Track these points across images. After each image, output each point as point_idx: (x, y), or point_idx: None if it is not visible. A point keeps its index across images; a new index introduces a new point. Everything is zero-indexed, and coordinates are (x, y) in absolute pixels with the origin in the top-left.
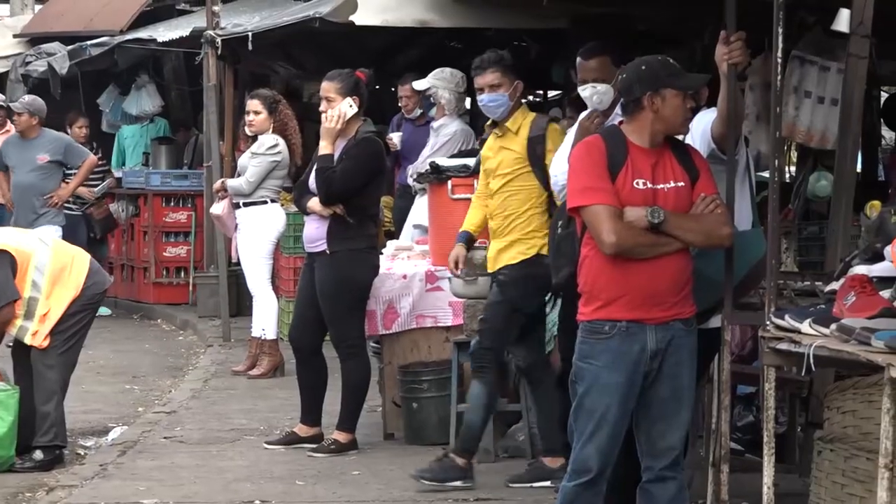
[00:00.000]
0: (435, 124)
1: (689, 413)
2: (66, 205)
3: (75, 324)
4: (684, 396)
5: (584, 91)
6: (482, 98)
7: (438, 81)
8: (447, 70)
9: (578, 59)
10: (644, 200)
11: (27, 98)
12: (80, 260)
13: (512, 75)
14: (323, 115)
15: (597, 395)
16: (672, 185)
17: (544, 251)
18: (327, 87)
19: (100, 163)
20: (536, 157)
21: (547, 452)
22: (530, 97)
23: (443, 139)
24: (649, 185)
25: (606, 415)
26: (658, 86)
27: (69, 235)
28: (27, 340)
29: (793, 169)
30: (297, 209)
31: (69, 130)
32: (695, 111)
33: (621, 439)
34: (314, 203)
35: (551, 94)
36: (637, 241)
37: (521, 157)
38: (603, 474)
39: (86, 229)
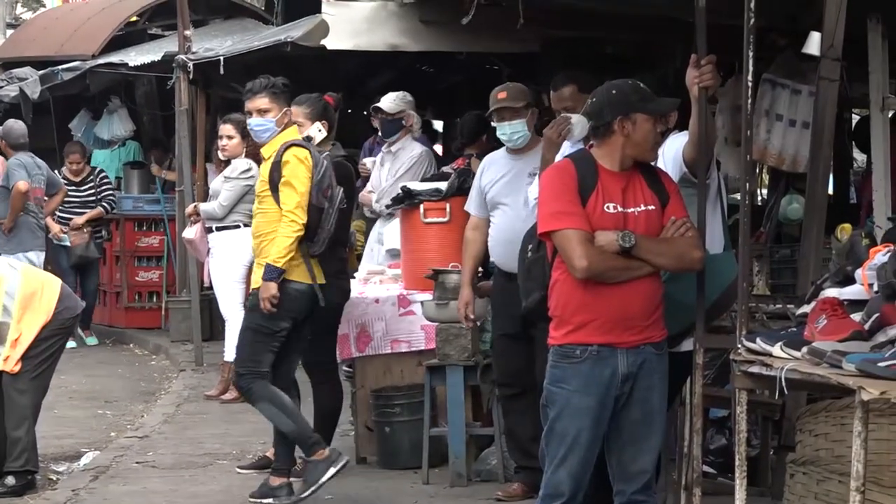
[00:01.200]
0: (394, 147)
1: (661, 437)
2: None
3: (47, 349)
4: (655, 420)
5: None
6: (250, 122)
7: (406, 104)
8: (405, 93)
9: (551, 91)
10: (615, 224)
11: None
12: (50, 285)
13: (282, 101)
14: None
15: (568, 420)
16: (643, 208)
17: (289, 276)
18: (296, 112)
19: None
20: (274, 183)
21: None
22: None
23: (408, 162)
24: (620, 209)
25: (578, 439)
26: (629, 110)
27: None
28: None
29: (765, 192)
30: None
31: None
32: (664, 135)
33: (593, 463)
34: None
35: None
36: (608, 266)
37: (265, 181)
38: (575, 498)
39: (66, 257)
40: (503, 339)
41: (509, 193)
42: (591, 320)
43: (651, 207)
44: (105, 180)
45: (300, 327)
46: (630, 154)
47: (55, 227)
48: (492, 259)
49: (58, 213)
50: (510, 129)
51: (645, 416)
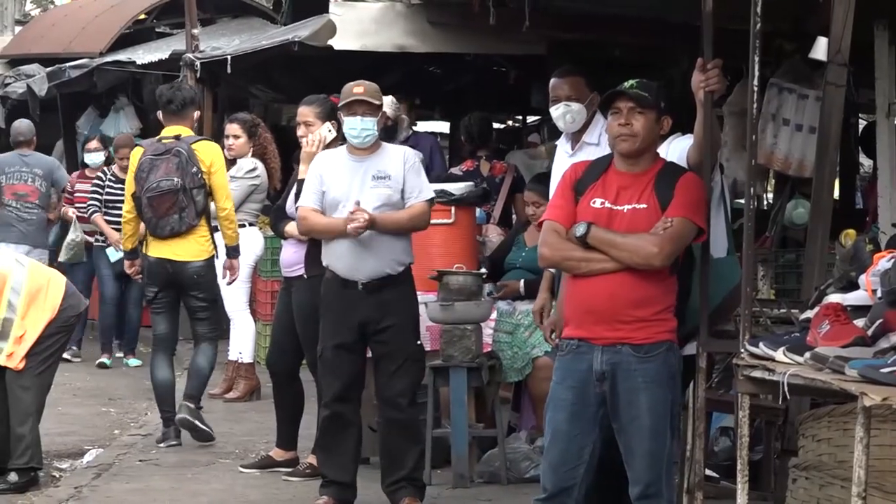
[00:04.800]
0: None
1: (659, 444)
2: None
3: (51, 345)
4: (645, 426)
5: (556, 110)
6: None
7: (397, 110)
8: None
9: (552, 79)
10: (595, 218)
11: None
12: (55, 282)
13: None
14: (303, 140)
15: (551, 411)
16: (632, 206)
17: None
18: (305, 112)
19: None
20: None
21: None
22: (509, 122)
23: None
24: (607, 205)
25: (557, 432)
26: (604, 112)
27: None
28: (0, 361)
29: (771, 196)
30: (274, 233)
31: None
32: (663, 138)
33: (578, 461)
34: (292, 227)
35: (530, 119)
36: (564, 255)
37: None
38: (561, 494)
39: (109, 264)
40: (337, 351)
41: (349, 195)
42: (570, 314)
43: (642, 206)
44: None
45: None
46: (615, 149)
47: (114, 235)
48: (326, 263)
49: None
50: (362, 125)
51: (633, 420)
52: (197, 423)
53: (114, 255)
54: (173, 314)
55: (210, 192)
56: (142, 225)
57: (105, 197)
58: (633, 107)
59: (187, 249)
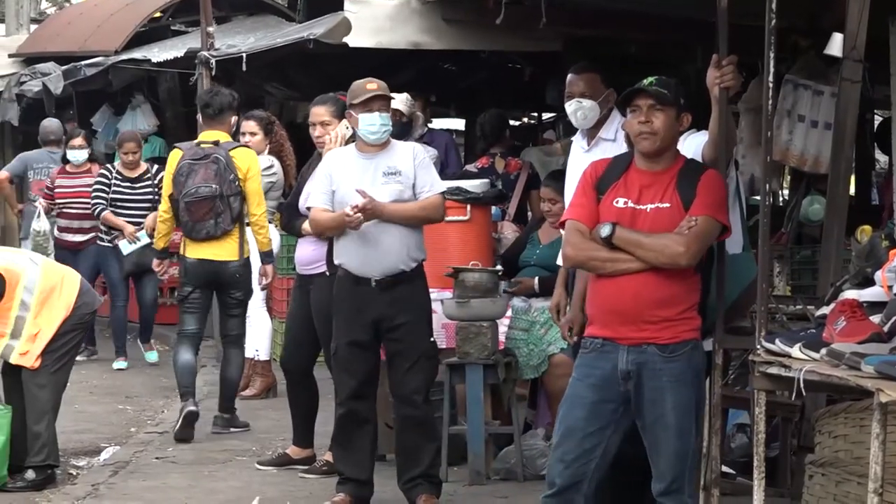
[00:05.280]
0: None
1: (683, 443)
2: (99, 235)
3: (66, 343)
4: (670, 424)
5: (570, 106)
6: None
7: (412, 107)
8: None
9: (569, 75)
10: (618, 218)
11: None
12: (69, 280)
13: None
14: (319, 140)
15: (568, 407)
16: (655, 205)
17: None
18: (321, 112)
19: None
20: None
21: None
22: (524, 119)
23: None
24: (630, 205)
25: (573, 427)
26: (623, 110)
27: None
28: (13, 359)
29: (787, 192)
30: (286, 231)
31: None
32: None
33: (590, 457)
34: (308, 226)
35: (545, 116)
36: (589, 255)
37: None
38: (570, 490)
39: (121, 265)
40: (351, 348)
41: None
42: (595, 314)
43: (665, 205)
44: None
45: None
46: (636, 148)
47: (128, 227)
48: (338, 261)
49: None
50: (381, 121)
51: (657, 419)
52: (231, 430)
53: (126, 247)
54: (203, 313)
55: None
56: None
57: (111, 196)
58: (653, 104)
59: (225, 250)
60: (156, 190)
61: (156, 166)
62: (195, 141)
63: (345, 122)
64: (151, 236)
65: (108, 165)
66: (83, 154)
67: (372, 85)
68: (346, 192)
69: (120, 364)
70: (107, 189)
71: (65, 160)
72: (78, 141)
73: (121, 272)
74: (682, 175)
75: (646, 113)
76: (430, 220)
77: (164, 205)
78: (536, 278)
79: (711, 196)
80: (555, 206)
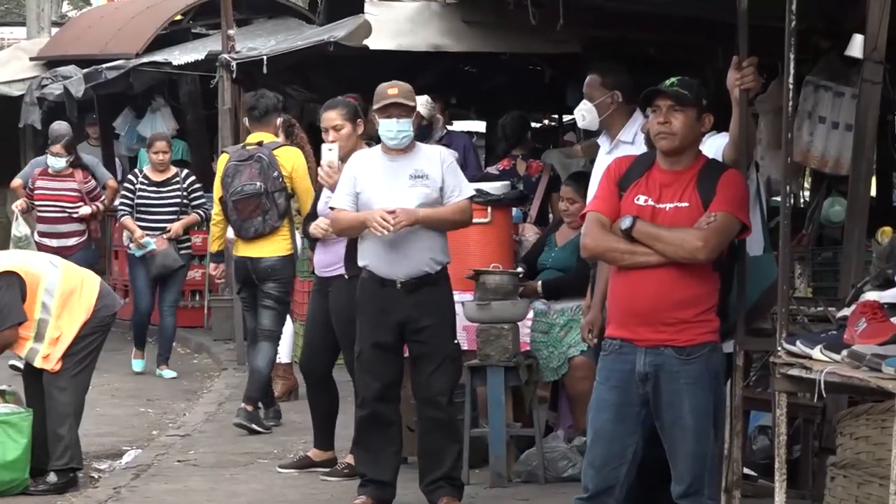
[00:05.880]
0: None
1: (702, 444)
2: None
3: (86, 346)
4: (688, 426)
5: (577, 108)
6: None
7: (431, 110)
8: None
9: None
10: (639, 215)
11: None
12: (89, 282)
13: None
14: (321, 171)
15: (595, 411)
16: (674, 204)
17: None
18: (333, 116)
19: (188, 192)
20: None
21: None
22: (545, 121)
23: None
24: (651, 203)
25: (600, 432)
26: (644, 109)
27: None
28: (37, 363)
29: (807, 194)
30: (304, 236)
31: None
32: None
33: (621, 461)
34: (314, 226)
35: (566, 118)
36: (609, 247)
37: None
38: (603, 494)
39: (144, 273)
40: (375, 350)
41: (385, 195)
42: (613, 314)
43: (684, 204)
44: (195, 184)
45: None
46: (657, 146)
47: (137, 231)
48: (363, 263)
49: (142, 221)
50: (398, 127)
51: (675, 421)
52: (253, 426)
53: (136, 251)
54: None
55: (292, 195)
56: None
57: (137, 201)
58: (672, 105)
59: (268, 247)
60: (184, 194)
61: (184, 171)
62: (241, 144)
63: (328, 145)
64: (179, 241)
65: (135, 170)
66: (61, 162)
67: (392, 90)
68: (371, 194)
69: (137, 365)
70: (132, 195)
71: (45, 164)
72: (57, 148)
73: (146, 278)
74: (702, 174)
75: (665, 113)
76: (461, 224)
77: (216, 208)
78: (540, 282)
79: (731, 193)
80: (573, 205)
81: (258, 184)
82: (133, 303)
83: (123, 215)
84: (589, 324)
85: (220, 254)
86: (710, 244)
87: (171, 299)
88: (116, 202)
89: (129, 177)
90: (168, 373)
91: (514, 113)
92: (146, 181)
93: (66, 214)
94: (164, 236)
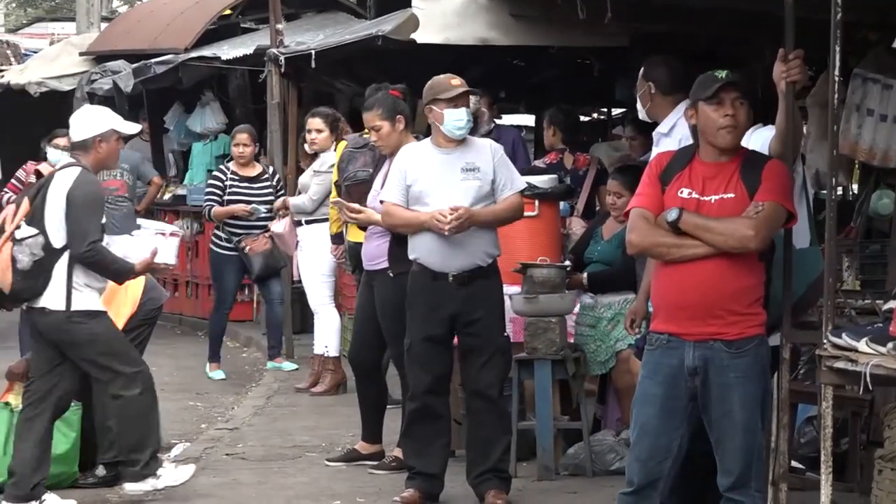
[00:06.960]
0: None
1: (751, 438)
2: (214, 240)
3: (133, 339)
4: (737, 420)
5: None
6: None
7: (477, 104)
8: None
9: None
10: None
11: None
12: None
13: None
14: (378, 143)
15: (640, 405)
16: (720, 196)
17: None
18: (371, 118)
19: (278, 189)
20: None
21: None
22: (594, 115)
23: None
24: (695, 195)
25: (646, 426)
26: (693, 100)
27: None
28: None
29: (856, 187)
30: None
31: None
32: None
33: (666, 455)
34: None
35: (615, 111)
36: (654, 241)
37: None
38: (647, 488)
39: (237, 272)
40: (426, 344)
41: (437, 189)
42: (661, 308)
43: (730, 196)
44: (281, 182)
45: None
46: (706, 141)
47: (239, 208)
48: (414, 256)
49: (228, 222)
50: (466, 116)
51: (724, 414)
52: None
53: (226, 247)
54: None
55: None
56: None
57: (227, 198)
58: (738, 97)
59: None
60: (274, 192)
61: (271, 168)
62: (360, 132)
63: (397, 118)
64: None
65: (222, 166)
66: (58, 154)
67: (456, 81)
68: (423, 187)
69: (214, 373)
70: (220, 192)
71: (44, 156)
72: (62, 142)
73: (235, 280)
74: (745, 165)
75: (732, 105)
76: (513, 219)
77: (334, 192)
78: (585, 274)
79: (776, 182)
80: (620, 199)
81: (370, 171)
82: (215, 303)
83: (211, 209)
84: (632, 313)
85: (339, 235)
86: (761, 233)
87: (277, 291)
88: (203, 198)
89: (217, 173)
90: (289, 365)
91: (565, 106)
92: (236, 177)
93: None
94: (271, 225)
